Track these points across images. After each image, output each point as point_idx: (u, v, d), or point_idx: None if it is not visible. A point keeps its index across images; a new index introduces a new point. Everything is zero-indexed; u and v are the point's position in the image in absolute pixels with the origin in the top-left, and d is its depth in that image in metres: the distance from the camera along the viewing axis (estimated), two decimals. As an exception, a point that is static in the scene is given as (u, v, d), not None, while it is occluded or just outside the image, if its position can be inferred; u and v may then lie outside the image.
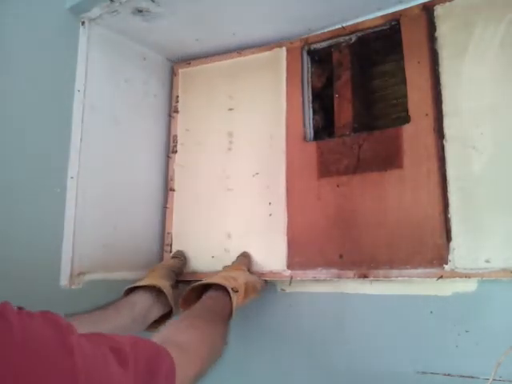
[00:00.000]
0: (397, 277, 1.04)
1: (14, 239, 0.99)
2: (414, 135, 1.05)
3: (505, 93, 0.96)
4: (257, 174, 1.26)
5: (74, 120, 1.12)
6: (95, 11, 1.11)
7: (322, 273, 1.12)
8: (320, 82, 1.27)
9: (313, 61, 1.28)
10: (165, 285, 1.12)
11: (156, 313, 1.12)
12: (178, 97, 1.44)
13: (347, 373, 1.10)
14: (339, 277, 1.10)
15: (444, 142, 1.01)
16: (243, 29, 1.27)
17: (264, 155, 1.26)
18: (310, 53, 1.28)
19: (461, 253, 0.97)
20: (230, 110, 1.35)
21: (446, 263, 0.98)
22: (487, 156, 0.96)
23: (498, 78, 0.97)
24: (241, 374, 1.23)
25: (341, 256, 1.11)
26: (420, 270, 1.01)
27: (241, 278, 1.09)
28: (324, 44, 1.25)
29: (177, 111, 1.44)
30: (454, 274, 0.97)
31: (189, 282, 1.17)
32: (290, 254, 1.18)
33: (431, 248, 1.00)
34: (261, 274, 1.21)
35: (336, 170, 1.14)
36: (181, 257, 1.30)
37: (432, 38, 1.06)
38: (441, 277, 0.98)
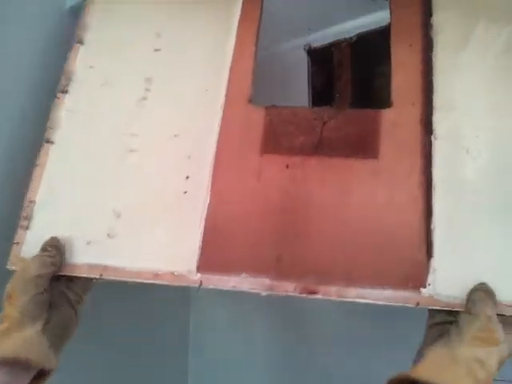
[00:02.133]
0: (355, 298, 0.75)
1: None
2: (395, 123, 0.84)
3: (504, 97, 0.83)
4: (176, 136, 0.89)
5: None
6: None
7: (247, 281, 0.78)
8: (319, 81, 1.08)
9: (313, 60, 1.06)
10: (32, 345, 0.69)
11: None
12: (86, 25, 1.03)
13: None
14: (272, 289, 0.77)
15: (432, 138, 0.82)
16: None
17: (190, 113, 0.91)
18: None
19: (444, 274, 0.74)
20: (156, 50, 0.99)
21: (425, 286, 0.74)
22: (482, 162, 0.79)
23: (501, 80, 0.84)
24: None
25: (279, 258, 0.78)
26: (389, 293, 0.75)
27: (493, 362, 0.63)
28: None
29: (81, 42, 1.02)
30: (434, 302, 0.73)
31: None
32: (205, 249, 0.80)
33: (407, 264, 0.75)
34: (155, 276, 0.80)
35: (288, 147, 0.85)
36: (52, 251, 0.81)
37: (427, 23, 0.91)
38: (417, 304, 0.73)
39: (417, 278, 0.74)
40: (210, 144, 0.87)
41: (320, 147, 0.84)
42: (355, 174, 0.81)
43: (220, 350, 1.41)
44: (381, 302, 0.73)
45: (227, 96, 0.90)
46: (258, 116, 0.88)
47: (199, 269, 0.79)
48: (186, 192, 0.84)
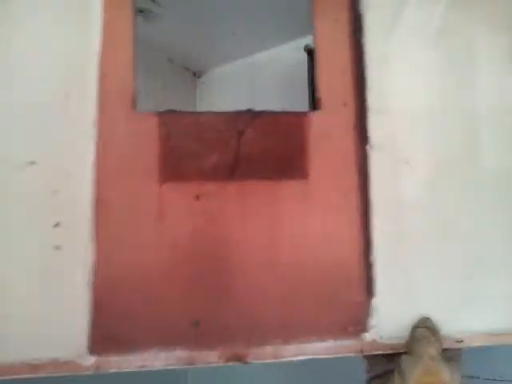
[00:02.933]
0: (295, 356, 0.64)
1: None
2: (325, 130, 0.68)
3: (443, 93, 0.71)
4: (32, 163, 0.62)
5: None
6: None
7: (158, 358, 0.61)
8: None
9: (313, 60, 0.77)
10: None
11: None
12: None
13: None
14: (191, 363, 0.62)
15: (368, 148, 0.69)
16: None
17: (48, 129, 0.63)
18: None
19: (387, 313, 0.66)
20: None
21: (367, 330, 0.66)
22: (422, 174, 0.69)
23: (440, 71, 0.72)
24: None
25: (196, 323, 0.62)
26: (329, 344, 0.65)
27: None
28: None
29: None
30: (378, 347, 0.66)
31: None
32: (97, 324, 0.60)
33: (345, 308, 0.65)
34: (33, 368, 0.59)
35: (196, 171, 0.65)
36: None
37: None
38: (360, 352, 0.65)
39: (357, 321, 0.65)
40: (86, 170, 0.63)
41: (238, 168, 0.65)
42: (283, 201, 0.65)
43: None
44: (322, 356, 0.64)
45: (100, 100, 0.63)
46: (148, 127, 0.64)
47: (92, 351, 0.60)
48: (58, 247, 0.60)
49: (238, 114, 0.66)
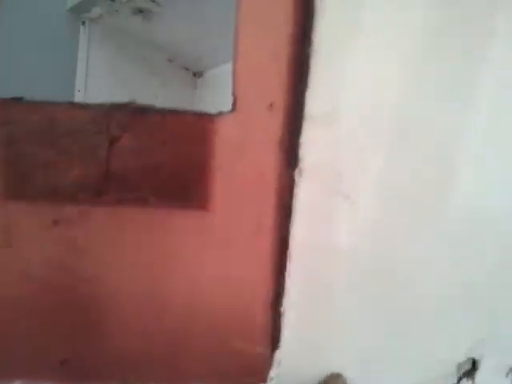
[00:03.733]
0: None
1: None
2: (238, 143, 0.47)
3: (409, 107, 0.47)
4: None
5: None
6: (96, 11, 1.09)
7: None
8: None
9: None
10: None
11: None
12: None
13: None
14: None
15: (296, 172, 0.49)
16: None
17: None
18: None
19: (291, 367, 0.55)
20: None
21: (265, 382, 0.56)
22: (365, 216, 0.51)
23: (419, 67, 0.46)
24: None
25: (63, 363, 0.53)
26: (218, 392, 0.57)
27: None
28: None
29: None
30: (273, 400, 0.58)
31: None
32: None
33: (244, 359, 0.54)
34: None
35: (50, 188, 0.47)
36: None
37: None
38: (253, 404, 0.57)
39: (255, 373, 0.55)
40: None
41: (107, 189, 0.48)
42: (173, 236, 0.49)
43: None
44: (208, 403, 0.56)
45: None
46: (-20, 124, 0.45)
47: None
48: None
49: (112, 110, 0.46)
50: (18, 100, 0.45)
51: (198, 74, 1.51)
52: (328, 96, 0.45)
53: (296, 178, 0.48)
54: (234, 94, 0.45)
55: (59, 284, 0.50)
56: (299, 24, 0.43)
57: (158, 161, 0.47)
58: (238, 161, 0.47)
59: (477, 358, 0.56)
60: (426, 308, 0.54)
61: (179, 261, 0.50)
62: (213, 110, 0.48)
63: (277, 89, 0.45)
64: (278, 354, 0.55)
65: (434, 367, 0.56)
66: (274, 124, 0.46)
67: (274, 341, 0.54)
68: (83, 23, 1.20)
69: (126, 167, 0.47)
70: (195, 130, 0.46)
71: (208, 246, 0.50)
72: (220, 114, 0.46)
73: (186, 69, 1.49)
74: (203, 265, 0.51)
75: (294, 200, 0.49)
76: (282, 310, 0.53)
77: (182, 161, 0.47)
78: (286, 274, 0.51)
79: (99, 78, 1.21)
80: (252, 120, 0.46)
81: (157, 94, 1.32)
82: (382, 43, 0.44)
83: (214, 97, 1.33)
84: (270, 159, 0.47)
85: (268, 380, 0.56)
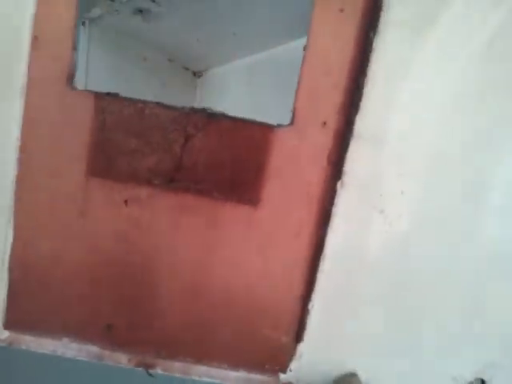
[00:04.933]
0: (202, 377, 0.63)
1: None
2: (293, 152, 0.55)
3: (464, 143, 0.54)
4: None
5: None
6: (95, 11, 1.00)
7: (70, 348, 0.62)
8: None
9: None
10: None
11: None
12: None
13: None
14: (102, 359, 0.62)
15: (338, 184, 0.56)
16: None
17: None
18: None
19: (311, 361, 0.61)
20: None
21: (285, 372, 0.62)
22: (397, 232, 0.57)
23: (473, 110, 0.54)
24: None
25: (109, 327, 0.61)
26: (240, 374, 0.62)
27: None
28: None
29: None
30: (292, 390, 0.63)
31: None
32: (13, 302, 0.59)
33: (268, 346, 0.60)
34: None
35: (129, 171, 0.56)
36: None
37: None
38: (272, 390, 0.63)
39: (277, 362, 0.61)
40: (8, 146, 0.56)
41: (177, 177, 0.56)
42: (224, 225, 0.57)
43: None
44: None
45: (30, 72, 0.53)
46: (83, 108, 0.54)
47: (8, 325, 0.60)
48: (-24, 227, 0.57)
49: (190, 114, 0.54)
50: (114, 95, 0.54)
51: (197, 74, 1.51)
52: (376, 120, 0.52)
53: (338, 188, 0.55)
54: (293, 110, 0.53)
55: (122, 257, 0.58)
56: (357, 60, 0.51)
57: (223, 160, 0.55)
58: (290, 169, 0.55)
59: (486, 379, 0.60)
60: (444, 327, 0.58)
61: (226, 248, 0.57)
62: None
63: (330, 110, 0.53)
64: (301, 347, 0.60)
65: (444, 382, 0.60)
66: (325, 140, 0.54)
67: (299, 334, 0.60)
68: (83, 23, 1.16)
69: (196, 162, 0.55)
70: (258, 137, 0.54)
71: (253, 240, 0.57)
72: (279, 126, 0.54)
73: (186, 69, 1.47)
74: (246, 255, 0.57)
75: (333, 208, 0.56)
76: (310, 307, 0.59)
77: (243, 162, 0.55)
78: (318, 276, 0.58)
79: (99, 78, 1.16)
80: (306, 134, 0.54)
81: (157, 93, 1.29)
82: (427, 87, 0.51)
83: (214, 96, 1.36)
84: (317, 170, 0.55)
85: (287, 371, 0.61)
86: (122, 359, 0.61)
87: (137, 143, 0.55)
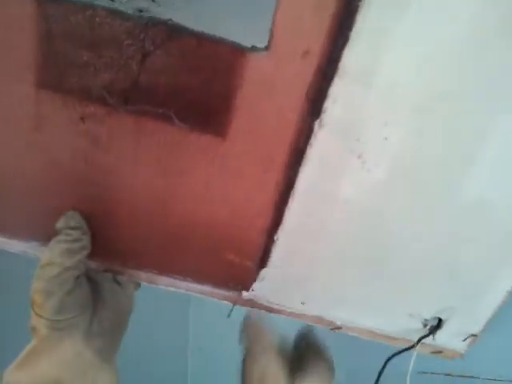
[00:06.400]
0: (168, 286, 0.65)
1: None
2: (266, 82, 0.47)
3: (462, 87, 0.45)
4: None
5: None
6: None
7: (39, 250, 0.62)
8: None
9: None
10: None
11: None
12: None
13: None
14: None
15: (316, 124, 0.49)
16: None
17: None
18: None
19: (271, 285, 0.62)
20: None
21: (247, 290, 0.63)
22: (372, 178, 0.51)
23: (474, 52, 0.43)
24: None
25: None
26: (205, 287, 0.64)
27: None
28: None
29: None
30: (253, 305, 0.65)
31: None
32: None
33: (231, 267, 0.60)
34: None
35: (82, 87, 0.49)
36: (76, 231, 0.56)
37: None
38: (234, 303, 0.65)
39: (240, 281, 0.62)
40: None
41: (135, 98, 0.49)
42: (186, 154, 0.52)
43: (219, 350, 1.23)
44: (196, 294, 0.64)
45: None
46: (23, 15, 0.45)
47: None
48: None
49: (148, 26, 0.45)
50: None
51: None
52: (367, 56, 0.43)
53: (315, 128, 0.49)
54: (270, 33, 0.44)
55: (82, 172, 0.55)
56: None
57: (186, 83, 0.48)
58: (263, 99, 0.48)
59: (443, 318, 0.61)
60: (407, 268, 0.58)
61: (189, 176, 0.54)
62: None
63: (315, 37, 0.43)
64: (264, 272, 0.61)
65: (400, 317, 0.62)
66: (306, 71, 0.45)
67: (263, 260, 0.60)
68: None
69: (155, 83, 0.48)
70: (227, 60, 0.46)
71: (218, 171, 0.53)
72: (253, 49, 0.45)
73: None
74: (210, 184, 0.54)
75: (308, 148, 0.50)
76: (275, 238, 0.58)
77: (209, 87, 0.48)
78: (287, 210, 0.55)
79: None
80: (284, 63, 0.45)
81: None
82: (433, 24, 0.40)
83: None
84: (294, 104, 0.47)
85: (249, 290, 0.64)
86: (91, 264, 0.63)
87: (89, 56, 0.47)
